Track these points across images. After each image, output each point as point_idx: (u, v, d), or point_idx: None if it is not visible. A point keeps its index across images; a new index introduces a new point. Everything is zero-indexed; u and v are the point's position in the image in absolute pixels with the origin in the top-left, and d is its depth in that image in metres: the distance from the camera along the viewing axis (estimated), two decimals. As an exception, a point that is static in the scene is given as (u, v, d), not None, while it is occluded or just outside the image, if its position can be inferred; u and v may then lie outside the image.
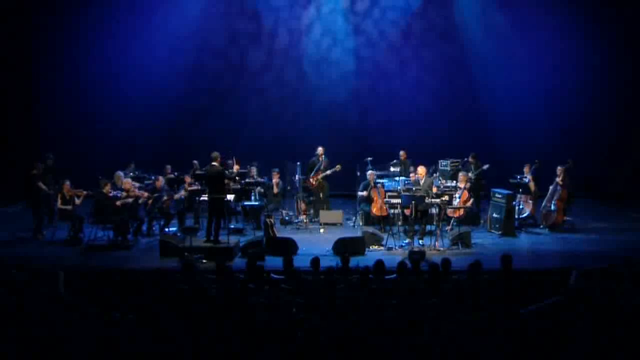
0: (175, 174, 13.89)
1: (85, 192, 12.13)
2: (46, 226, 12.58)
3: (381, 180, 13.51)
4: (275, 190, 14.02)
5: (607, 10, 16.12)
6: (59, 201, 11.96)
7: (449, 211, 12.31)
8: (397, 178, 13.50)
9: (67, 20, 16.44)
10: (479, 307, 6.65)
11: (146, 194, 12.39)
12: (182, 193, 12.78)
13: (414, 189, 11.83)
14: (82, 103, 16.82)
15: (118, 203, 11.72)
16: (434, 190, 11.79)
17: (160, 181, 12.84)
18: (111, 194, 11.69)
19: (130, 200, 11.94)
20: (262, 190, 13.57)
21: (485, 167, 13.63)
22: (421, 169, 12.05)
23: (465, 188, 12.68)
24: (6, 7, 16.18)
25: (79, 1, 16.40)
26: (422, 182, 11.85)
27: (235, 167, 12.41)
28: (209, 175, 11.42)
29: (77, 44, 16.59)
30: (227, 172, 11.58)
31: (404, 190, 11.91)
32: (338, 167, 13.90)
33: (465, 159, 14.10)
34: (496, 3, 16.84)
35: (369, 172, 13.32)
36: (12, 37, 16.46)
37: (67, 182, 12.11)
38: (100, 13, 16.43)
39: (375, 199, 12.96)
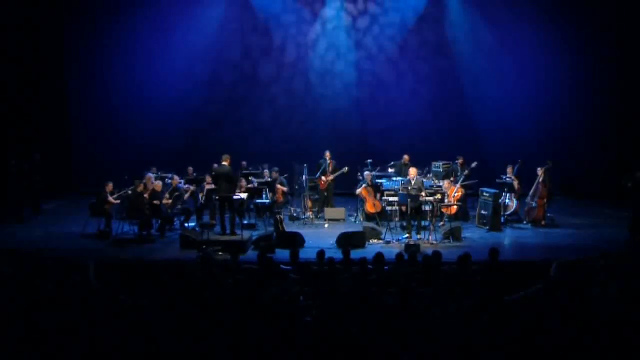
0: (194, 174, 13.97)
1: (117, 202, 12.23)
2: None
3: (380, 180, 13.50)
4: (283, 189, 13.94)
5: (583, 28, 16.04)
6: (109, 197, 12.05)
7: (443, 208, 12.31)
8: (394, 178, 13.50)
9: (97, 36, 16.54)
10: (468, 295, 6.66)
11: (169, 201, 12.42)
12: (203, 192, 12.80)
13: (408, 187, 11.82)
14: (109, 110, 16.88)
15: (155, 201, 11.85)
16: (423, 190, 11.77)
17: (175, 180, 12.88)
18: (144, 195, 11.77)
19: (158, 202, 12.00)
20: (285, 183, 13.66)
21: (474, 164, 13.61)
22: (412, 170, 12.03)
23: (457, 188, 12.68)
24: (45, 26, 16.30)
25: (109, 20, 16.44)
26: (413, 181, 11.85)
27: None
28: (217, 175, 11.54)
29: (106, 58, 16.65)
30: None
31: (401, 189, 11.91)
32: (346, 169, 13.90)
33: (456, 162, 14.14)
34: (484, 21, 16.80)
35: (366, 172, 13.32)
36: (49, 52, 16.57)
37: (110, 183, 12.25)
38: (126, 30, 16.47)
39: (366, 197, 12.95)
